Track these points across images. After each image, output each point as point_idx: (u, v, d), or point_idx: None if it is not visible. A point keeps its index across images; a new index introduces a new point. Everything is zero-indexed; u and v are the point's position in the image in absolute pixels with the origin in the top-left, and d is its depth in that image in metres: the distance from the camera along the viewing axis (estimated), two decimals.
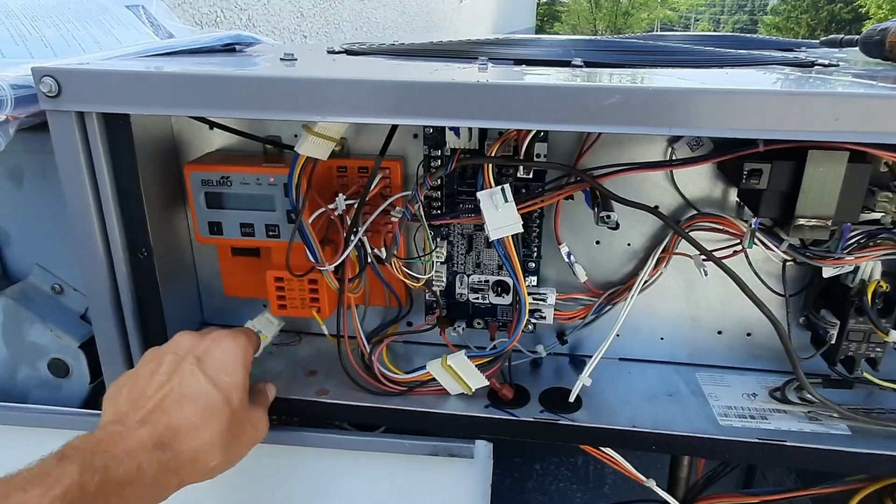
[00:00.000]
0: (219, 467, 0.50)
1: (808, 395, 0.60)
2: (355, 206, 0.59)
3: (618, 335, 0.67)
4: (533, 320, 0.65)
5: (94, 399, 0.65)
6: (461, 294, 0.66)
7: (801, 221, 0.51)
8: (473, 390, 0.60)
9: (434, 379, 0.61)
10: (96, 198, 0.54)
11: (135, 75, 0.49)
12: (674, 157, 0.58)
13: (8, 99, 0.50)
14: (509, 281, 0.65)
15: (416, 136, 0.62)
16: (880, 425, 0.56)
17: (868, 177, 0.50)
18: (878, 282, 0.55)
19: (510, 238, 0.56)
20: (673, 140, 0.59)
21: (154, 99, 0.49)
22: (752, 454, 0.56)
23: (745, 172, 0.51)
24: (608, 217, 0.53)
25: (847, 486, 0.62)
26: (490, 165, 0.55)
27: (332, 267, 0.58)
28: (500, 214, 0.55)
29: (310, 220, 0.58)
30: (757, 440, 0.56)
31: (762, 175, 0.51)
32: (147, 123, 0.59)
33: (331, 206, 0.59)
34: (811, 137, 0.44)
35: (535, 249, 0.63)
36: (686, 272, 0.65)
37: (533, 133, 0.53)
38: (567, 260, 0.62)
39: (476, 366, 0.59)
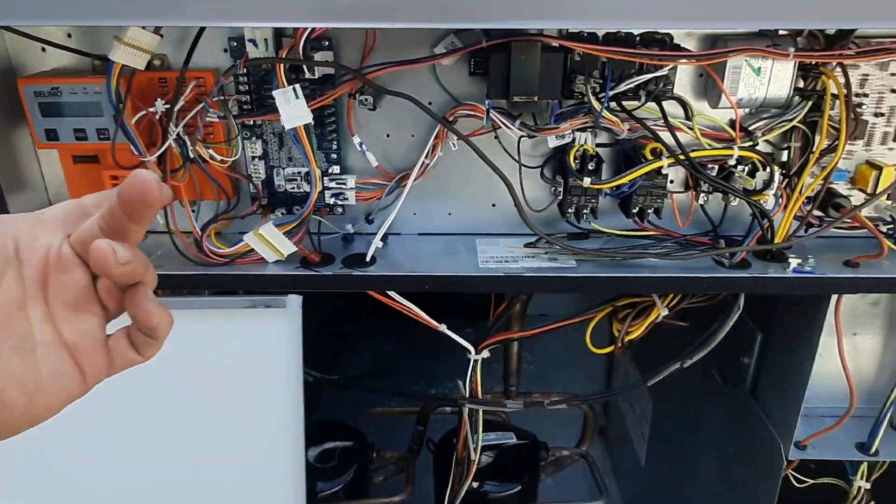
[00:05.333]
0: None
1: (553, 244, 0.77)
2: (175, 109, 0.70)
3: (415, 214, 0.84)
4: (339, 202, 0.79)
5: None
6: (279, 185, 0.79)
7: (515, 98, 0.67)
8: (286, 256, 0.74)
9: (253, 250, 0.74)
10: None
11: None
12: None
13: None
14: (318, 171, 0.79)
15: (225, 50, 0.73)
16: (595, 257, 0.74)
17: (560, 63, 0.66)
18: (583, 146, 0.71)
19: (302, 128, 0.69)
20: (434, 44, 0.73)
21: None
22: (500, 285, 0.73)
23: (471, 63, 0.66)
24: (365, 100, 0.67)
25: (584, 316, 0.81)
26: (282, 69, 0.68)
27: (153, 158, 0.70)
28: (292, 109, 0.68)
29: (133, 121, 0.69)
30: (502, 274, 0.73)
31: (484, 65, 0.66)
32: None
33: (151, 109, 0.70)
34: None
35: (336, 142, 0.77)
36: (465, 156, 0.80)
37: (306, 34, 0.65)
38: (359, 149, 0.76)
39: (283, 233, 0.72)
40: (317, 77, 0.71)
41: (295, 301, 0.73)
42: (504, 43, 0.65)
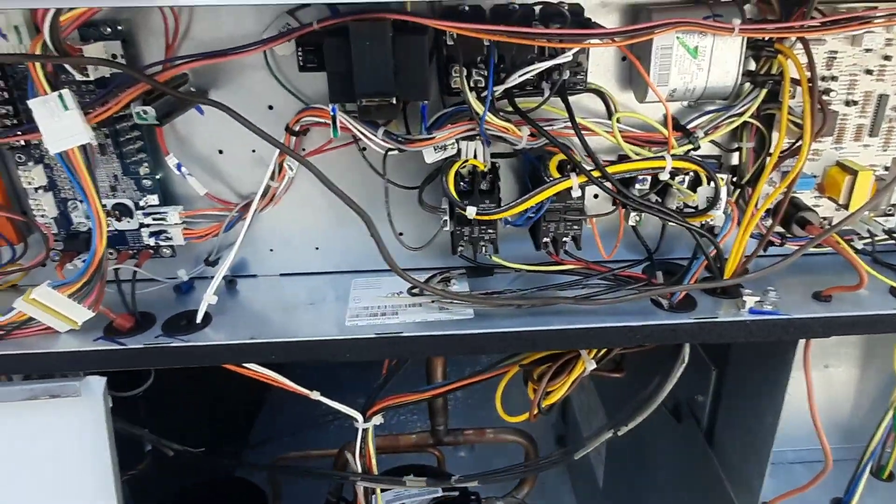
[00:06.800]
0: None
1: (448, 287, 0.60)
2: None
3: (272, 250, 0.65)
4: (162, 242, 0.60)
5: None
6: (80, 223, 0.60)
7: (365, 102, 0.48)
8: (80, 323, 0.55)
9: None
10: None
11: None
12: None
13: None
14: (129, 202, 0.59)
15: None
16: (495, 305, 0.56)
17: (422, 48, 0.47)
18: (465, 161, 0.53)
19: (77, 151, 0.50)
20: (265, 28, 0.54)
21: None
22: (371, 350, 0.55)
23: (300, 54, 0.47)
24: (144, 112, 0.48)
25: (490, 373, 0.64)
26: (38, 69, 0.48)
27: None
28: (59, 124, 0.49)
29: None
30: (374, 335, 0.55)
31: (319, 56, 0.48)
32: None
33: None
34: None
35: (147, 164, 0.58)
36: (331, 173, 0.61)
37: (51, 18, 0.45)
38: (177, 171, 0.57)
39: (68, 295, 0.53)
40: (93, 78, 0.51)
41: (95, 385, 0.53)
42: (342, 24, 0.46)
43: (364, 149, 0.57)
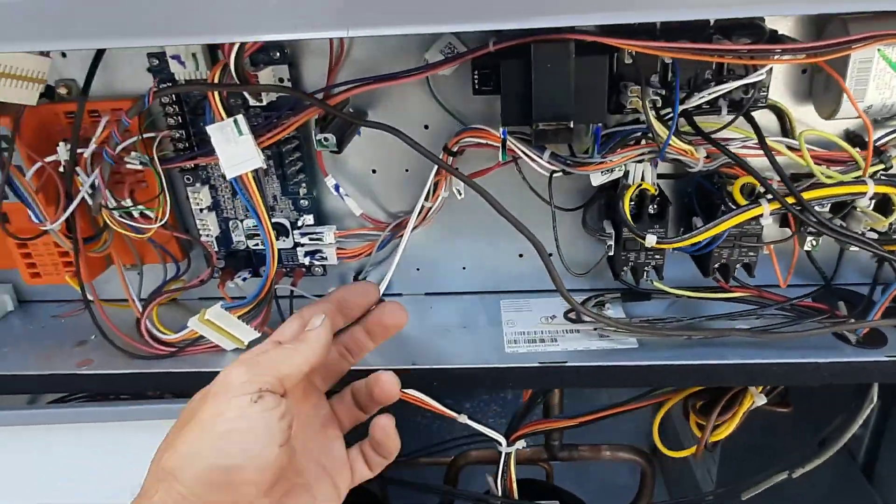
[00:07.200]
0: None
1: (603, 312, 0.58)
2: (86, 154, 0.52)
3: (418, 269, 0.64)
4: (316, 262, 0.60)
5: None
6: (239, 241, 0.61)
7: (542, 126, 0.46)
8: (246, 343, 0.56)
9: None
10: None
11: None
12: None
13: None
14: (286, 222, 0.60)
15: (150, 70, 0.55)
16: (661, 335, 0.54)
17: (604, 69, 0.45)
18: (640, 185, 0.51)
19: (250, 175, 0.51)
20: (425, 48, 0.53)
21: None
22: (533, 379, 0.54)
23: (476, 77, 0.46)
24: (326, 140, 0.48)
25: (652, 399, 0.61)
26: (216, 96, 0.49)
27: (56, 226, 0.52)
28: (235, 149, 0.50)
29: (30, 175, 0.52)
30: (538, 364, 0.53)
31: (493, 79, 0.46)
32: None
33: (49, 159, 0.52)
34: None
35: (304, 185, 0.58)
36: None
37: (237, 49, 0.46)
38: (335, 192, 0.57)
39: (238, 317, 0.54)
40: (265, 104, 0.52)
41: None
42: (520, 45, 0.44)
43: (518, 168, 0.56)
